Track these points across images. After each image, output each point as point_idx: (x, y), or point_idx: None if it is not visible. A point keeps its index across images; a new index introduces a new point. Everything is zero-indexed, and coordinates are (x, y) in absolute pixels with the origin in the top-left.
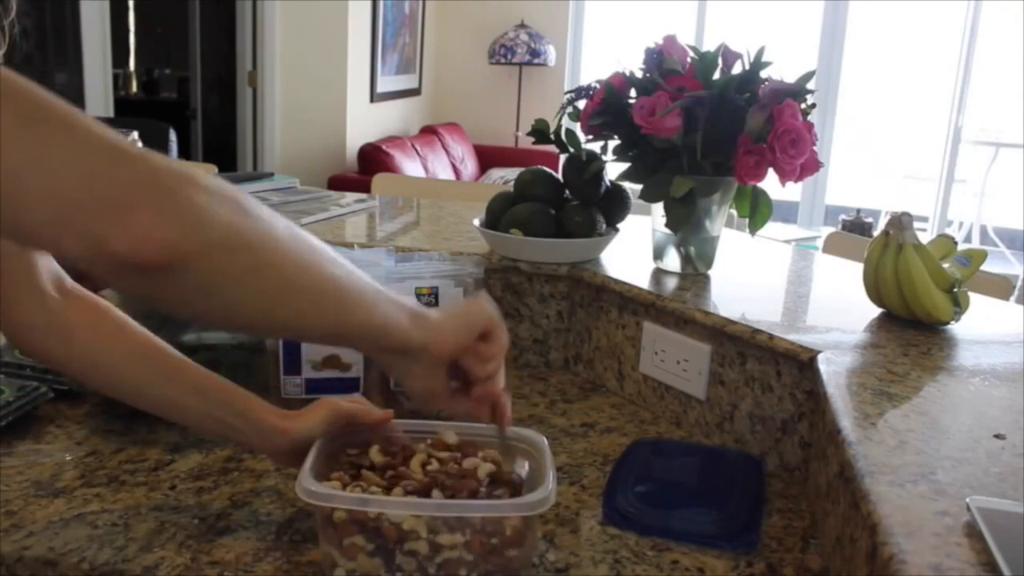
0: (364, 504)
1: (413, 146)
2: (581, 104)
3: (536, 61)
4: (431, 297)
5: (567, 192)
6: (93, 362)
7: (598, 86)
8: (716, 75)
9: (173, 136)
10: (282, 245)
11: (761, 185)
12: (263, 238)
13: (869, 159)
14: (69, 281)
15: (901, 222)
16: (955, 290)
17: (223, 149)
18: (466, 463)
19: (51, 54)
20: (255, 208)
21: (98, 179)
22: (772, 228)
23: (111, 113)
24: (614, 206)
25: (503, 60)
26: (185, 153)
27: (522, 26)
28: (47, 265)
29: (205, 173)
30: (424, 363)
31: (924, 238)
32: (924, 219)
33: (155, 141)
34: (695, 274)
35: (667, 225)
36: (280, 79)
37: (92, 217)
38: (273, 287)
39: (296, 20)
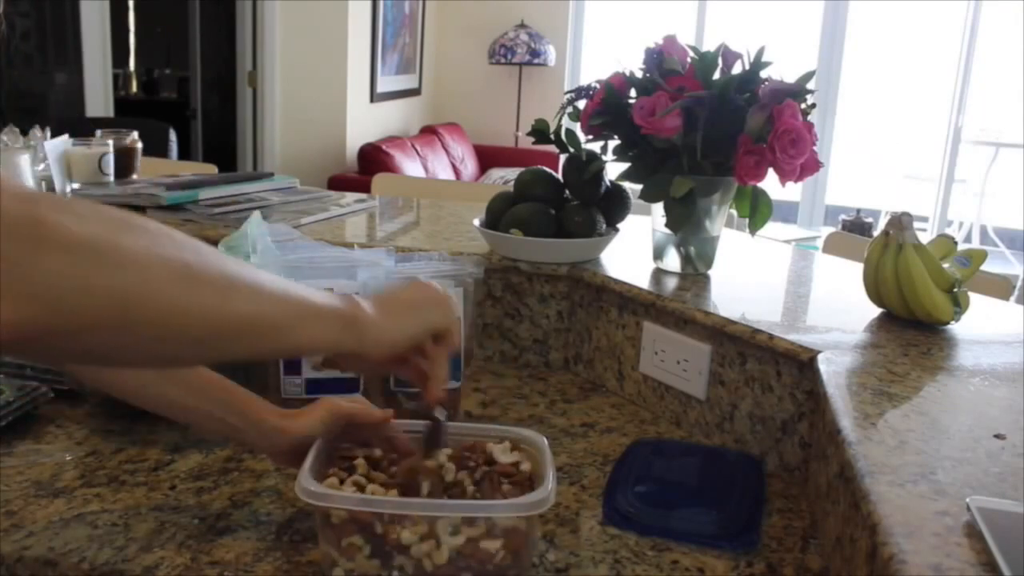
0: (364, 504)
1: (413, 146)
2: (581, 104)
3: (536, 61)
4: None
5: (567, 192)
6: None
7: (598, 86)
8: (716, 75)
9: (173, 136)
10: (157, 285)
11: (761, 185)
12: (134, 286)
13: (869, 159)
14: None
15: (901, 222)
16: (955, 290)
17: (223, 149)
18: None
19: (51, 54)
20: (132, 246)
21: None
22: (772, 228)
23: (111, 113)
24: (614, 206)
25: (503, 60)
26: (185, 153)
27: (522, 26)
28: None
29: (66, 203)
30: (358, 365)
31: (924, 238)
32: (924, 219)
33: (155, 141)
34: (695, 274)
35: (667, 225)
36: (280, 79)
37: None
38: (168, 335)
39: (296, 20)
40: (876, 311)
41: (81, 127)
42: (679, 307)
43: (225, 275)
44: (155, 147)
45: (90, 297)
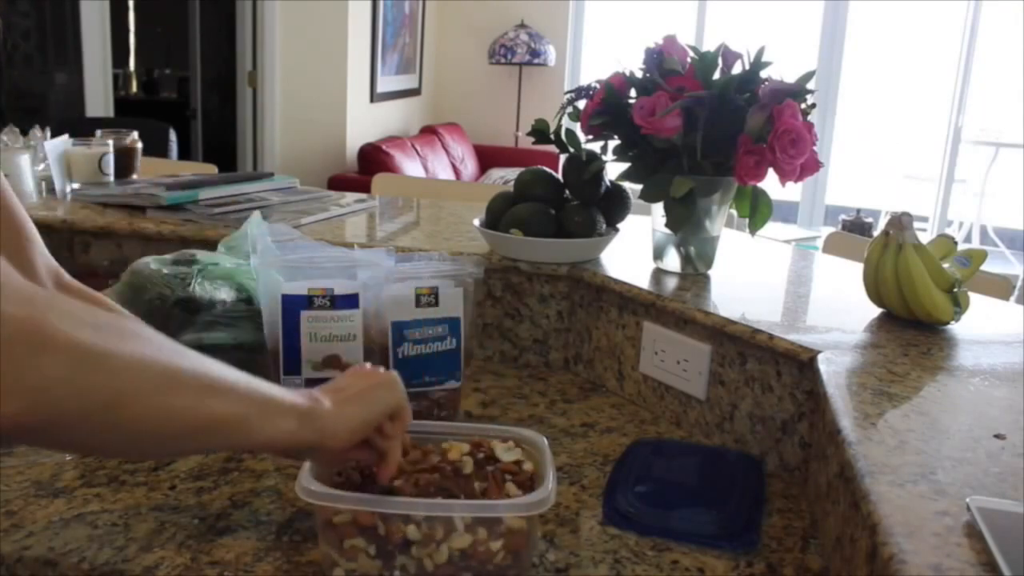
0: (364, 504)
1: (413, 146)
2: (581, 104)
3: (536, 61)
4: (431, 297)
5: (567, 192)
6: None
7: (598, 86)
8: (716, 75)
9: (173, 136)
10: (144, 389)
11: (761, 185)
12: (123, 390)
13: (869, 159)
14: (67, 277)
15: (901, 222)
16: (955, 290)
17: (223, 149)
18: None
19: (51, 54)
20: (123, 353)
21: None
22: (772, 228)
23: (111, 113)
24: (614, 206)
25: (503, 60)
26: (185, 153)
27: (522, 26)
28: (44, 261)
29: (65, 307)
30: (319, 456)
31: (924, 238)
32: (924, 219)
33: (155, 141)
34: (695, 274)
35: (667, 225)
36: (280, 79)
37: None
38: (148, 433)
39: (296, 20)
40: (876, 311)
41: (81, 127)
42: (679, 307)
43: (203, 377)
44: (155, 147)
45: (82, 399)
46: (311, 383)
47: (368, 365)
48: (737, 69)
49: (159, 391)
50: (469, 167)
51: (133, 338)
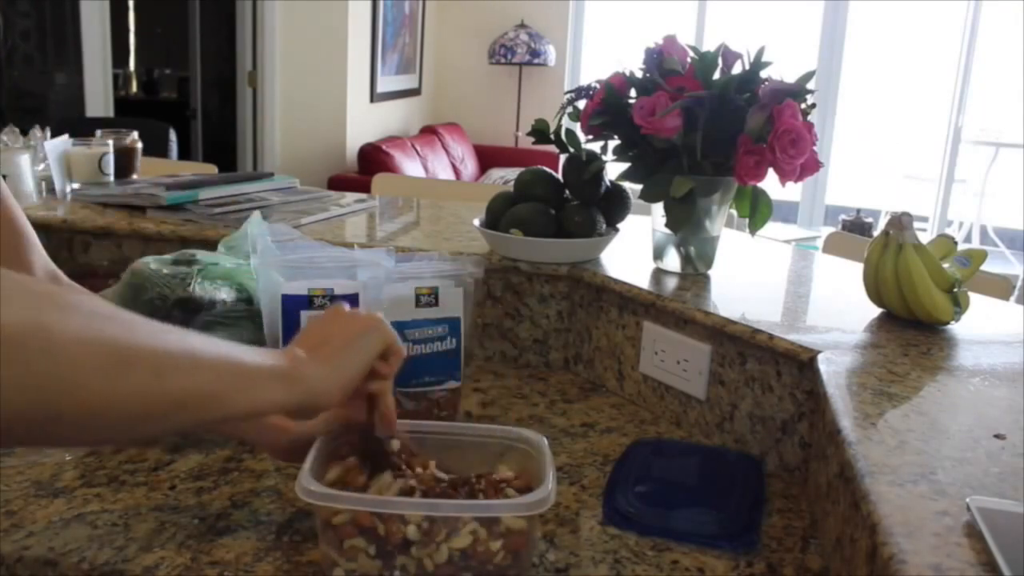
0: (364, 504)
1: (413, 146)
2: (581, 104)
3: (536, 61)
4: (431, 297)
5: (567, 192)
6: None
7: (598, 86)
8: (716, 75)
9: (173, 136)
10: (97, 373)
11: (761, 185)
12: (74, 373)
13: (869, 159)
14: (64, 278)
15: (901, 222)
16: (955, 290)
17: (223, 149)
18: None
19: (51, 54)
20: (61, 331)
21: None
22: (772, 228)
23: (111, 113)
24: (614, 206)
25: (503, 60)
26: (185, 153)
27: (522, 26)
28: (40, 261)
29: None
30: (312, 415)
31: (924, 238)
32: (924, 219)
33: (155, 141)
34: (695, 274)
35: (667, 225)
36: (280, 79)
37: None
38: (101, 422)
39: (296, 20)
40: (876, 311)
41: (81, 127)
42: (679, 307)
43: (159, 350)
44: (155, 147)
45: (18, 392)
46: None
47: (347, 306)
48: (737, 69)
49: (105, 374)
50: (469, 167)
51: (74, 313)
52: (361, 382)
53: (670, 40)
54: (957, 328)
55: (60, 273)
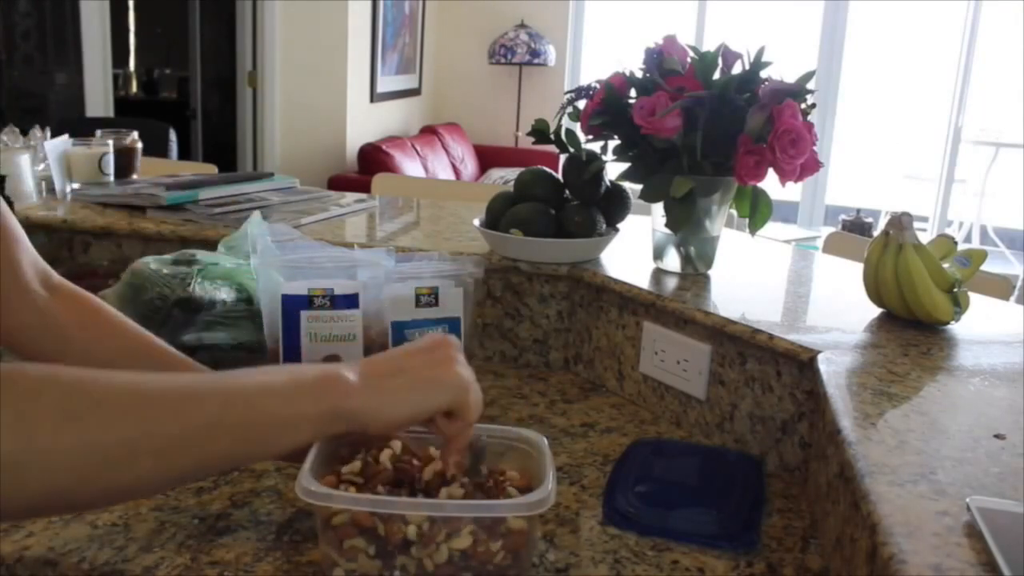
0: (363, 504)
1: (413, 146)
2: (581, 104)
3: (536, 61)
4: (431, 297)
5: (567, 192)
6: (87, 360)
7: (598, 86)
8: (716, 75)
9: (173, 136)
10: (120, 467)
11: (761, 185)
12: (96, 476)
13: (869, 159)
14: (56, 277)
15: (901, 222)
16: (955, 290)
17: (223, 149)
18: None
19: (51, 54)
20: (59, 450)
21: None
22: (772, 228)
23: (111, 113)
24: (614, 206)
25: (503, 60)
26: (185, 153)
27: (522, 26)
28: (32, 261)
29: (17, 380)
30: (363, 436)
31: (924, 238)
32: (924, 219)
33: (155, 141)
34: (695, 274)
35: (667, 225)
36: (280, 79)
37: None
38: (130, 498)
39: (296, 20)
40: (876, 311)
41: (81, 127)
42: (679, 307)
43: (166, 432)
44: (155, 147)
45: (26, 511)
46: None
47: (454, 341)
48: (737, 69)
49: (113, 467)
50: (469, 167)
51: (70, 422)
52: (415, 424)
53: (670, 40)
54: (957, 328)
55: (51, 272)
